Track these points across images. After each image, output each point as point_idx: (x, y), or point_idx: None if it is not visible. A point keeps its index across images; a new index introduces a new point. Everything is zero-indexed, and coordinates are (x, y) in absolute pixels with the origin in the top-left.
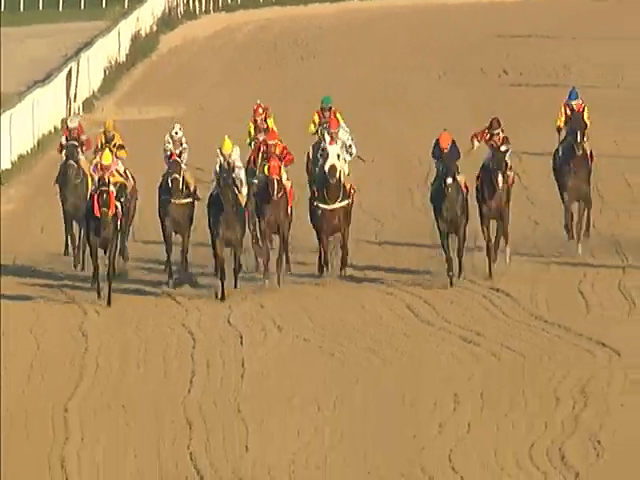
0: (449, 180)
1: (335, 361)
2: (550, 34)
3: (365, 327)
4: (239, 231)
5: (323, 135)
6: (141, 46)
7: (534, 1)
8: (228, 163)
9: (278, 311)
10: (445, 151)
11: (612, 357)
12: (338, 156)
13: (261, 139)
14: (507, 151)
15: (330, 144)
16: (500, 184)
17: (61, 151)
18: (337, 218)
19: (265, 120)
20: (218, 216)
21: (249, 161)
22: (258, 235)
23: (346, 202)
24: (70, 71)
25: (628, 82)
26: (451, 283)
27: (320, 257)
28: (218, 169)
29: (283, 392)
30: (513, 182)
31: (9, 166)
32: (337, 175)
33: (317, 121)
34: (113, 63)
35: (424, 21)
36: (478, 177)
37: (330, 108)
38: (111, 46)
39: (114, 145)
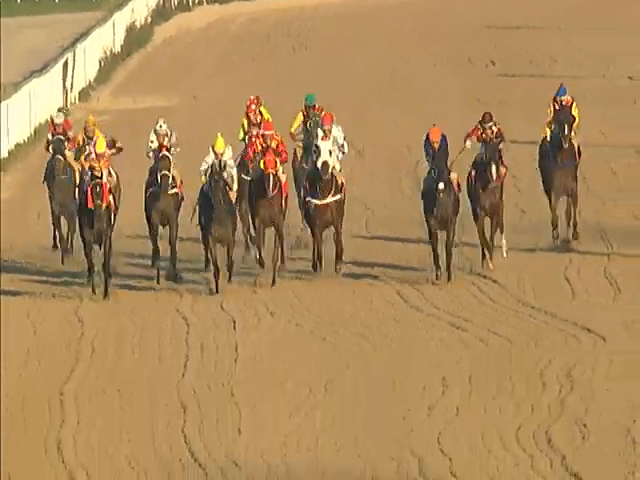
0: (441, 185)
1: (326, 346)
2: (537, 25)
3: (356, 313)
4: (230, 228)
5: (313, 131)
6: (136, 37)
7: None
8: (220, 161)
9: (271, 297)
10: (435, 145)
11: (597, 342)
12: (330, 152)
13: (255, 133)
14: (500, 142)
15: (322, 140)
16: (494, 175)
17: (48, 148)
18: (330, 213)
19: (259, 112)
20: (209, 214)
21: (246, 155)
22: (252, 229)
23: (338, 196)
24: (66, 61)
25: (614, 72)
26: (437, 277)
27: (314, 252)
28: (209, 167)
29: (275, 376)
30: (505, 176)
31: (6, 154)
32: (329, 171)
33: (301, 119)
34: (108, 53)
35: (414, 12)
36: (469, 173)
37: (314, 106)
38: (106, 37)
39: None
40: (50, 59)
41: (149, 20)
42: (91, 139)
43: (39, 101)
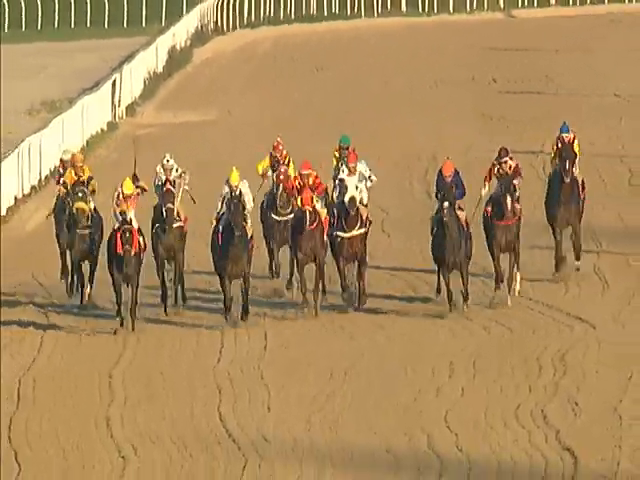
0: (446, 203)
1: (345, 335)
2: (534, 47)
3: (371, 305)
4: (246, 263)
5: (342, 169)
6: (177, 59)
7: (517, 19)
8: (234, 194)
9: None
10: (448, 179)
11: (588, 330)
12: (356, 187)
13: (283, 170)
14: (515, 177)
15: (348, 176)
16: (509, 206)
17: (58, 182)
18: (355, 246)
19: (283, 156)
20: (226, 249)
21: (270, 192)
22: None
23: (363, 230)
24: (115, 80)
25: (602, 90)
26: (450, 309)
27: (341, 284)
28: (225, 200)
29: (301, 362)
30: (521, 212)
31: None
32: (356, 206)
33: (337, 156)
34: (152, 73)
35: (422, 36)
36: (485, 209)
37: (347, 147)
38: (150, 59)
39: (85, 186)
40: (101, 78)
41: (188, 43)
42: (82, 184)
43: (91, 115)
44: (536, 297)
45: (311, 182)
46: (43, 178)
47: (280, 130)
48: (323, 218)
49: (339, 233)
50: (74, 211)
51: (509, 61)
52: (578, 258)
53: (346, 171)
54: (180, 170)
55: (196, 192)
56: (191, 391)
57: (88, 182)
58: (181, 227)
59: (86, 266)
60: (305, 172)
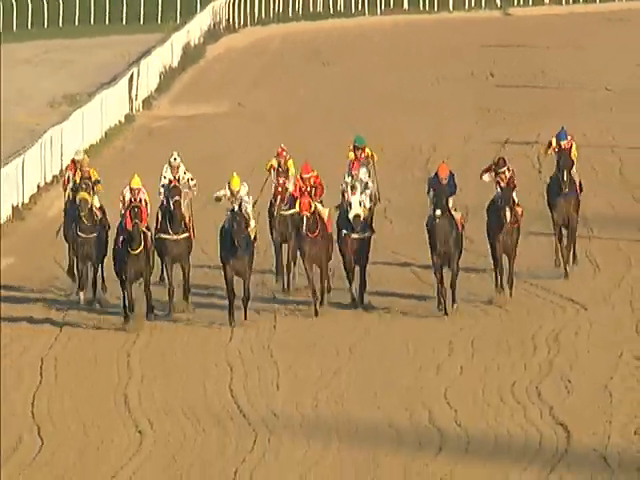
0: (437, 212)
1: (350, 315)
2: (528, 44)
3: (374, 288)
4: (248, 263)
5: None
6: (190, 54)
7: (513, 17)
8: (235, 210)
9: (302, 278)
10: (444, 182)
11: (580, 311)
12: (360, 203)
13: (281, 182)
14: (513, 189)
15: (352, 194)
16: (508, 218)
17: (66, 188)
18: (360, 247)
19: (286, 163)
20: (229, 249)
21: (271, 205)
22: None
23: (367, 234)
24: (132, 75)
25: (593, 84)
26: (445, 312)
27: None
28: (229, 204)
29: (308, 340)
30: (522, 216)
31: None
32: (361, 222)
33: (353, 157)
34: (167, 68)
35: (422, 34)
36: (488, 212)
37: (362, 148)
38: (166, 54)
39: (91, 181)
40: (118, 73)
41: (202, 40)
42: (88, 179)
43: (109, 108)
44: (531, 280)
45: (312, 183)
46: (64, 168)
47: (287, 122)
48: (326, 218)
49: (352, 234)
50: (77, 202)
51: (506, 57)
52: (575, 260)
53: (349, 191)
54: (189, 175)
55: (207, 181)
56: (204, 369)
57: (95, 184)
58: (188, 237)
59: (88, 268)
60: (306, 176)
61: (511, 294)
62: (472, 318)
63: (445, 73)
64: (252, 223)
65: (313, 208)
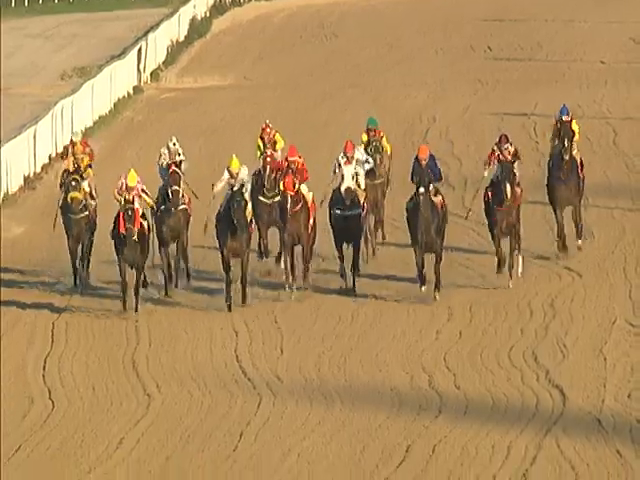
0: (421, 189)
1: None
2: (525, 18)
3: (371, 260)
4: (246, 245)
5: (374, 154)
6: (197, 28)
7: None
8: (236, 190)
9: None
10: (423, 162)
11: (575, 278)
12: (352, 176)
13: (269, 153)
14: (514, 162)
15: (345, 164)
16: (508, 194)
17: (62, 185)
18: (352, 224)
19: (273, 137)
20: (226, 231)
21: (258, 174)
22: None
23: (358, 211)
24: (140, 48)
25: (589, 57)
26: (420, 289)
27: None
28: (228, 187)
29: (310, 307)
30: (522, 196)
31: (91, 124)
32: (352, 195)
33: (366, 139)
34: (175, 42)
35: (424, 8)
36: (485, 193)
37: (376, 129)
38: (173, 28)
39: (80, 172)
40: (127, 46)
41: (208, 14)
42: (79, 166)
43: (118, 80)
44: (528, 247)
45: (295, 167)
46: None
47: (291, 93)
48: (310, 202)
49: (337, 211)
50: (69, 201)
51: (503, 31)
52: (579, 236)
53: (344, 159)
54: (182, 157)
55: (213, 151)
56: (210, 334)
57: (84, 170)
58: (185, 209)
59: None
60: (291, 159)
61: (515, 272)
62: (470, 284)
63: (444, 46)
64: (249, 206)
65: (296, 188)
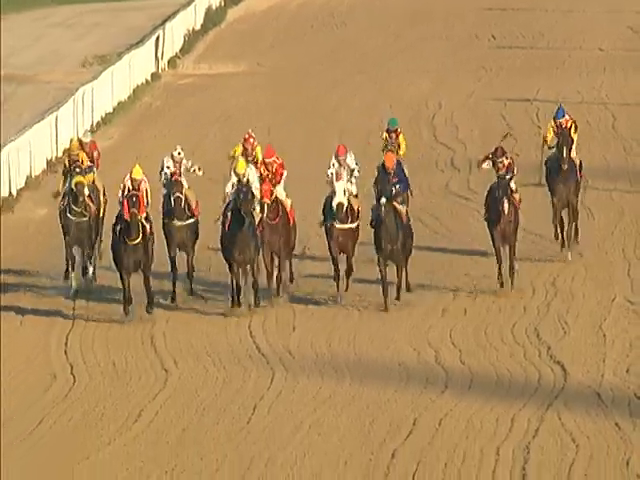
0: (383, 200)
1: (361, 265)
2: (527, 7)
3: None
4: (254, 249)
5: (332, 163)
6: (212, 17)
7: None
8: (242, 182)
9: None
10: (391, 172)
11: (576, 257)
12: (344, 191)
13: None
14: (511, 178)
15: (337, 180)
16: (506, 210)
17: (64, 179)
18: (347, 237)
19: (253, 150)
20: (234, 235)
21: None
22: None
23: (355, 224)
24: (158, 37)
25: (588, 45)
26: (386, 307)
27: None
28: (233, 189)
29: (321, 287)
30: (520, 202)
31: (111, 110)
32: (344, 210)
33: (386, 139)
34: (191, 30)
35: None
36: (486, 201)
37: (396, 130)
38: (189, 17)
39: (82, 168)
40: (145, 35)
41: (223, 4)
42: (76, 162)
43: (137, 67)
44: (530, 228)
45: (273, 169)
46: (95, 123)
47: (302, 80)
48: (288, 207)
49: (335, 224)
50: (74, 187)
51: (506, 20)
52: (577, 235)
53: (336, 164)
54: (194, 166)
55: (227, 135)
56: (225, 311)
57: (86, 171)
58: (193, 223)
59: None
60: (268, 160)
61: (512, 283)
62: (475, 263)
63: (449, 35)
64: (257, 208)
65: (274, 196)
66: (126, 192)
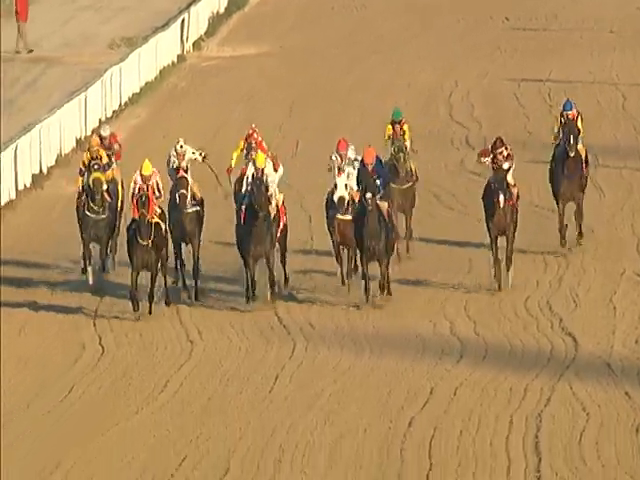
0: (368, 194)
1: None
2: None
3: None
4: (269, 243)
5: (397, 154)
6: (236, 1)
7: None
8: (257, 176)
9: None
10: (369, 167)
11: (587, 232)
12: (346, 186)
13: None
14: (509, 169)
15: (338, 175)
16: (502, 203)
17: (82, 173)
18: (350, 229)
19: (260, 142)
20: (250, 229)
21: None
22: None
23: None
24: (183, 20)
25: (600, 26)
26: (367, 299)
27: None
28: (250, 181)
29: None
30: (518, 198)
31: (138, 90)
32: (345, 204)
33: (390, 132)
34: (215, 14)
35: None
36: (484, 194)
37: (400, 122)
38: (214, 1)
39: (100, 164)
40: (171, 18)
41: None
42: (95, 159)
43: (163, 50)
44: (541, 204)
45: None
46: (123, 103)
47: (322, 61)
48: (280, 204)
49: (338, 215)
50: (91, 184)
51: (520, 3)
52: (580, 232)
53: (338, 159)
54: (197, 153)
55: (249, 115)
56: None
57: (105, 167)
58: (197, 212)
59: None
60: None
61: (508, 269)
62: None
63: (465, 16)
64: (274, 202)
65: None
66: (136, 190)
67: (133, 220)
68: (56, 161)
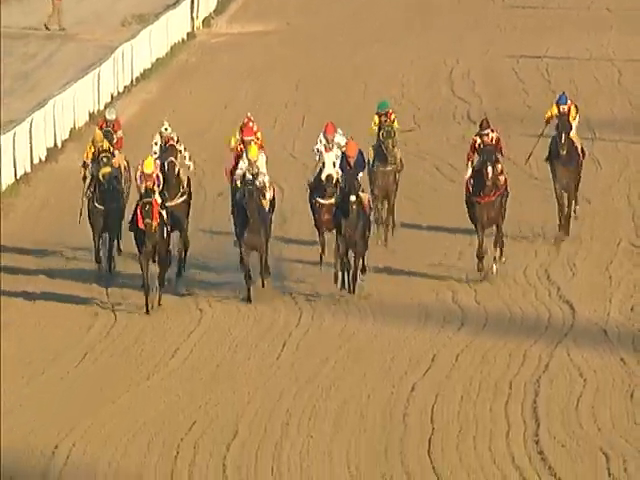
0: (352, 198)
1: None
2: None
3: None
4: (263, 235)
5: (386, 140)
6: None
7: None
8: (248, 180)
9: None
10: (351, 160)
11: (584, 204)
12: (334, 164)
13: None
14: (498, 157)
15: (326, 151)
16: (489, 174)
17: (86, 166)
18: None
19: (256, 132)
20: (243, 221)
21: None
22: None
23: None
24: None
25: (597, 5)
26: (349, 289)
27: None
28: (242, 175)
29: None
30: (505, 185)
31: (149, 66)
32: (333, 182)
33: (377, 122)
34: None
35: None
36: (467, 185)
37: (387, 113)
38: None
39: (109, 157)
40: None
41: None
42: (105, 152)
43: (173, 27)
44: (540, 176)
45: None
46: (134, 79)
47: (328, 39)
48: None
49: (319, 199)
50: (100, 178)
51: None
52: (568, 223)
53: (324, 141)
54: (188, 159)
55: (258, 91)
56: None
57: (110, 156)
58: (185, 201)
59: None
60: (247, 138)
61: (502, 254)
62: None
63: None
64: (267, 195)
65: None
66: (142, 186)
67: (137, 227)
68: (70, 135)
